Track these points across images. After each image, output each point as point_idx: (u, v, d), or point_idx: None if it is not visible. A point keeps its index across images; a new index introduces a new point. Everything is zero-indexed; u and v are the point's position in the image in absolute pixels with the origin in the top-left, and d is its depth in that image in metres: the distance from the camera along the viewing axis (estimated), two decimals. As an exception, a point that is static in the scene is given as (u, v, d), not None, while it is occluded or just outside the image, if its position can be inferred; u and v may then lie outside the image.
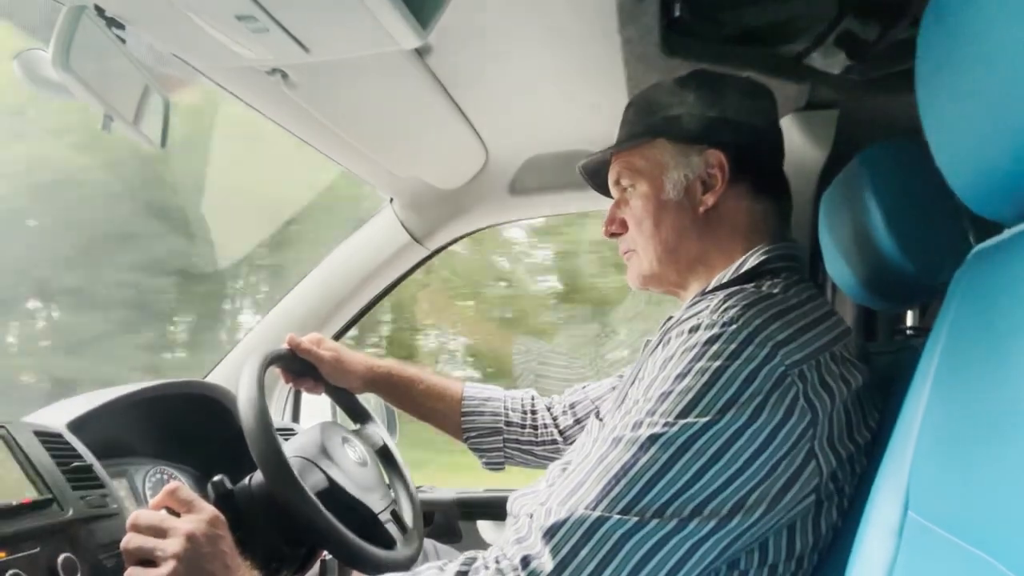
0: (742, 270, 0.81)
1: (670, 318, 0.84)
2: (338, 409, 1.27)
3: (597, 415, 0.91)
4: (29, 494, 0.81)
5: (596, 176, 0.98)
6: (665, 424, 0.66)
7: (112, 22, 0.80)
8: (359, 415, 1.19)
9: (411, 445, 1.57)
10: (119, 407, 1.08)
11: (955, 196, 0.55)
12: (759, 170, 0.87)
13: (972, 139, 0.51)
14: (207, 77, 0.96)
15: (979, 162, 0.51)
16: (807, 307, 0.73)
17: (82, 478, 0.89)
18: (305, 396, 1.56)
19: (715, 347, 0.68)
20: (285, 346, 1.11)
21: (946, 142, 0.54)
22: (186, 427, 1.20)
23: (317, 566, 1.15)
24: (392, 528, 1.01)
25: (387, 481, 1.12)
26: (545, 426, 1.16)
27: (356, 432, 1.12)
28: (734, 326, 0.68)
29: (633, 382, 0.77)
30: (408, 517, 1.08)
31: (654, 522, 0.63)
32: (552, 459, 1.04)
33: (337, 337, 1.61)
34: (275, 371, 1.14)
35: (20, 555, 0.74)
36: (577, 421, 1.13)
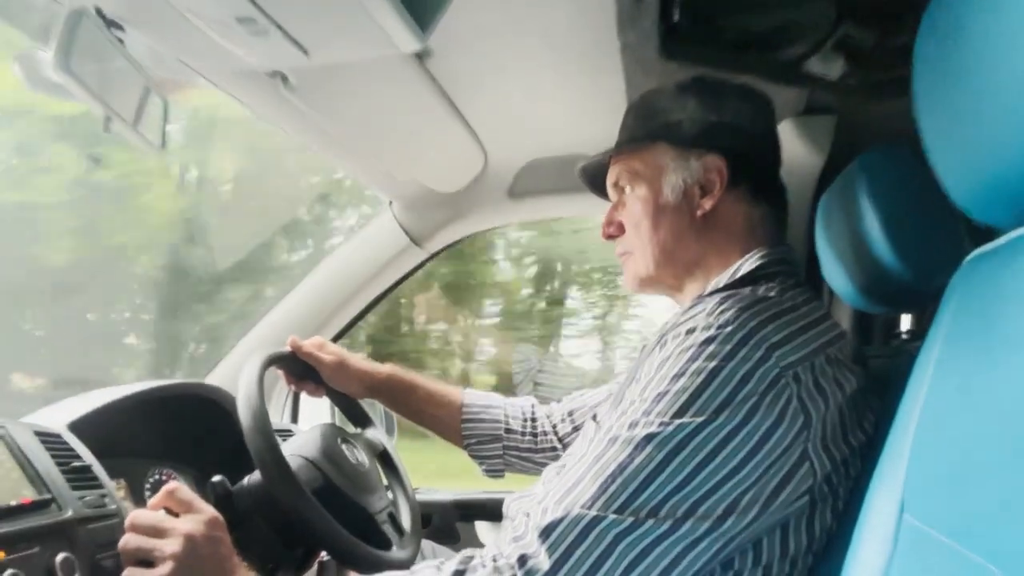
0: (738, 274, 0.82)
1: (666, 322, 0.85)
2: (337, 411, 1.27)
3: (594, 418, 0.91)
4: (28, 494, 0.81)
5: (594, 179, 0.99)
6: (661, 424, 0.66)
7: (112, 24, 0.80)
8: (360, 419, 1.19)
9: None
10: (119, 408, 1.08)
11: (951, 201, 0.55)
12: (757, 175, 0.87)
13: (968, 144, 0.51)
14: (207, 79, 0.96)
15: (975, 167, 0.51)
16: (803, 310, 0.74)
17: (81, 478, 0.89)
18: (304, 397, 1.57)
19: (711, 348, 0.68)
20: (287, 348, 1.11)
21: (943, 147, 0.55)
22: (186, 428, 1.20)
23: (315, 567, 1.15)
24: (389, 530, 1.01)
25: (386, 483, 1.12)
26: (544, 433, 1.16)
27: (356, 435, 1.12)
28: (730, 328, 0.69)
29: (630, 383, 0.77)
30: (406, 521, 1.09)
31: (649, 522, 0.64)
32: None
33: (336, 339, 1.61)
34: (274, 372, 1.14)
35: (19, 555, 0.74)
36: (575, 428, 1.13)
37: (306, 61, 0.82)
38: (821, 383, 0.69)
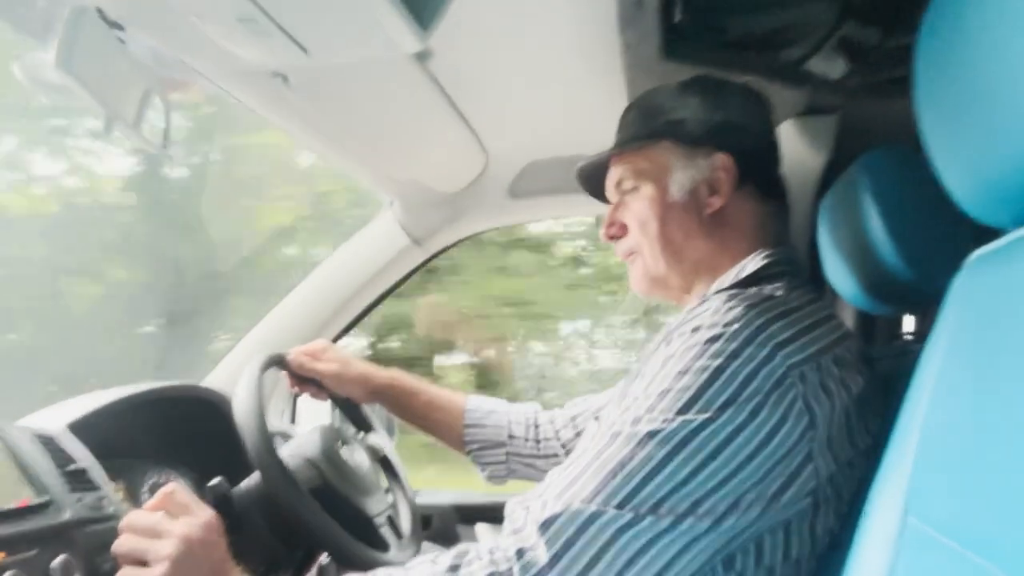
0: (744, 274, 0.81)
1: (673, 320, 0.84)
2: (336, 412, 1.27)
3: (596, 420, 0.91)
4: (26, 496, 0.81)
5: (590, 180, 0.98)
6: (664, 420, 0.66)
7: (113, 25, 0.80)
8: (361, 424, 1.19)
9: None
10: (117, 409, 1.08)
11: (953, 202, 0.55)
12: (763, 174, 0.87)
13: (970, 144, 0.51)
14: (208, 79, 0.96)
15: (977, 167, 0.51)
16: (808, 309, 0.73)
17: (80, 480, 0.89)
18: (302, 399, 1.56)
19: (716, 346, 0.68)
20: (287, 350, 1.11)
21: (944, 147, 0.55)
22: (185, 430, 1.20)
23: (314, 570, 1.15)
24: (387, 532, 1.01)
25: (386, 487, 1.12)
26: (547, 439, 1.15)
27: (356, 438, 1.12)
28: (735, 326, 0.68)
29: (634, 380, 0.77)
30: (405, 524, 1.08)
31: (649, 518, 0.63)
32: None
33: (336, 339, 1.61)
34: (274, 373, 1.14)
35: (17, 557, 0.74)
36: (578, 433, 1.12)
37: (307, 61, 0.82)
38: (827, 383, 0.69)
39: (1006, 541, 0.42)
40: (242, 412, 0.90)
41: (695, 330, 0.70)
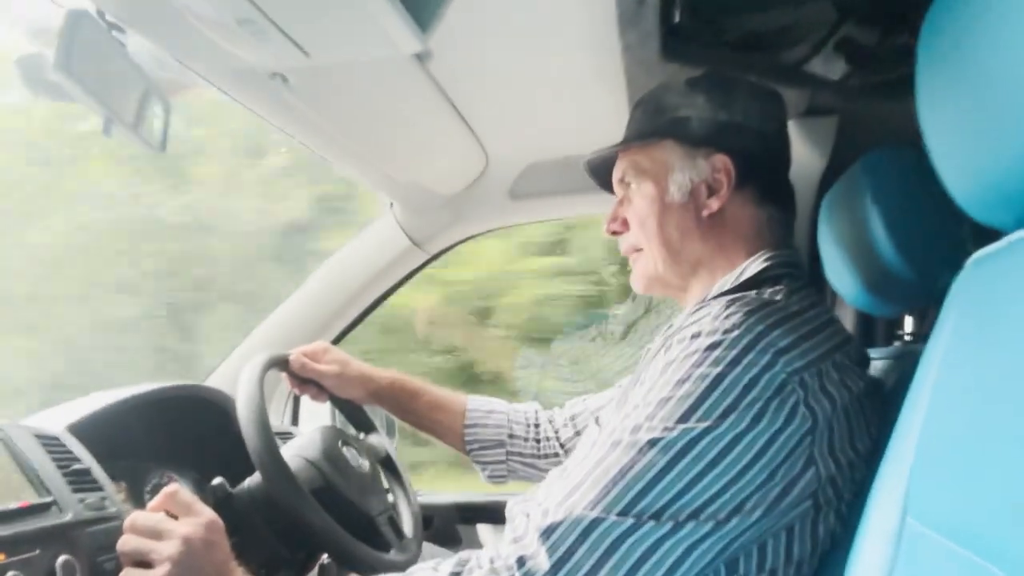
0: (743, 277, 0.81)
1: (671, 325, 0.84)
2: (337, 413, 1.27)
3: (596, 422, 0.91)
4: (28, 497, 0.81)
5: (598, 172, 0.98)
6: (664, 429, 0.66)
7: (113, 26, 0.80)
8: (362, 425, 1.19)
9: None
10: (119, 410, 1.08)
11: (954, 202, 0.55)
12: (765, 177, 0.86)
13: (971, 145, 0.51)
14: (208, 81, 0.96)
15: (978, 168, 0.51)
16: (809, 314, 0.73)
17: (81, 481, 0.89)
18: (304, 399, 1.56)
19: (716, 353, 0.68)
20: (288, 350, 1.11)
21: (945, 148, 0.55)
22: (187, 430, 1.20)
23: (316, 570, 1.15)
24: (388, 532, 1.01)
25: (387, 487, 1.12)
26: (547, 439, 1.15)
27: (357, 438, 1.12)
28: (735, 332, 0.68)
29: (634, 385, 0.77)
30: (407, 525, 1.08)
31: (650, 524, 0.63)
32: None
33: (336, 341, 1.61)
34: (275, 374, 1.14)
35: (19, 558, 0.74)
36: (578, 433, 1.12)
37: (306, 62, 0.82)
38: (828, 388, 0.68)
39: (1005, 541, 0.42)
40: (244, 413, 0.91)
41: (695, 336, 0.70)
